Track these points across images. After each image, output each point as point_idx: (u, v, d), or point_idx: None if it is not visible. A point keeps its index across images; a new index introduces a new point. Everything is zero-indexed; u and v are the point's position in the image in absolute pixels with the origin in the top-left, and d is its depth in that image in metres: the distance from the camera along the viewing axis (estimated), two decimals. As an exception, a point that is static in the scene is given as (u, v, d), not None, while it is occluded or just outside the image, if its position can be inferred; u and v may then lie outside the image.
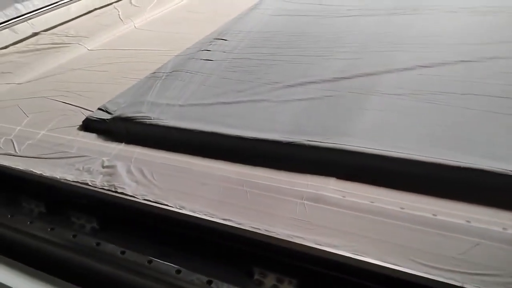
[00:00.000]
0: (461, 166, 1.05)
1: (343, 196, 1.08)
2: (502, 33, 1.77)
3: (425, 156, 1.10)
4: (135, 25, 2.51)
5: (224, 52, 1.92)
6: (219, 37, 2.07)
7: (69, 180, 1.22)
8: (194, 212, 1.06)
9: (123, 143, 1.39)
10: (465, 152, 1.11)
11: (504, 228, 0.94)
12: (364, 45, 1.82)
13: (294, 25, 2.15)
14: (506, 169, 1.02)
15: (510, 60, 1.54)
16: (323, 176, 1.14)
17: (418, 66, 1.57)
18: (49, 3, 2.52)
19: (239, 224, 1.01)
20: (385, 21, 2.05)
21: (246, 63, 1.79)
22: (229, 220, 1.03)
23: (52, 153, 1.36)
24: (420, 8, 2.13)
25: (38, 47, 2.25)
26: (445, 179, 1.07)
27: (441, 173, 1.07)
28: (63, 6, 2.59)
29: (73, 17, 2.61)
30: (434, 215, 0.99)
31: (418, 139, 1.20)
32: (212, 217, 1.04)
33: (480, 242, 0.91)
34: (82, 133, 1.49)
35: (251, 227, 1.00)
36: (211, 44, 2.00)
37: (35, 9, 2.45)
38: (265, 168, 1.20)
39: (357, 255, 0.91)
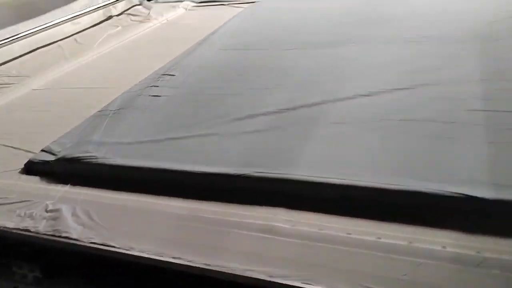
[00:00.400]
0: (400, 189, 1.11)
1: (293, 226, 1.09)
2: (432, 60, 1.90)
3: (368, 182, 1.15)
4: (81, 63, 2.47)
5: (172, 87, 1.93)
6: (167, 73, 2.08)
7: (9, 228, 1.16)
8: (143, 252, 1.04)
9: (68, 185, 1.35)
10: (406, 176, 1.17)
11: (443, 247, 0.98)
12: (307, 78, 1.89)
13: (241, 59, 2.20)
14: (441, 190, 1.08)
15: (439, 86, 1.65)
16: (273, 207, 1.16)
17: (358, 95, 1.65)
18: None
19: (189, 261, 1.00)
20: (326, 53, 2.15)
21: (195, 98, 1.81)
22: (179, 258, 1.01)
23: (-9, 200, 1.30)
24: (358, 40, 2.25)
25: (-23, 88, 2.16)
26: (387, 203, 1.11)
27: (383, 197, 1.12)
28: (4, 46, 2.51)
29: (15, 56, 2.54)
30: (378, 238, 1.03)
31: (361, 165, 1.25)
32: (162, 256, 1.02)
33: (423, 262, 0.95)
34: (24, 176, 1.43)
35: (203, 263, 1.00)
36: (159, 80, 2.00)
37: (-27, 50, 2.37)
38: (215, 202, 1.20)
39: (309, 284, 0.92)
